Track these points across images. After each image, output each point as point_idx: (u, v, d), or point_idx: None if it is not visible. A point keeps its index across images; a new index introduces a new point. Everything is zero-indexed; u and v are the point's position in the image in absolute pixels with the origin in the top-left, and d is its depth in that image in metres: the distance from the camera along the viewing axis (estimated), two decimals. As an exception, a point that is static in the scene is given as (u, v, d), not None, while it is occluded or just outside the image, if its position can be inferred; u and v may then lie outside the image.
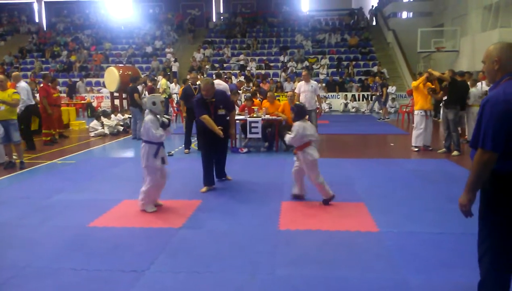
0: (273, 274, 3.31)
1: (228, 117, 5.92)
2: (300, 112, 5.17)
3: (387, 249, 3.76)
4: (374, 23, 26.84)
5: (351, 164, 7.46)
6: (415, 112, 8.66)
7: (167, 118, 4.93)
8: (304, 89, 9.38)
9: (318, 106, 9.87)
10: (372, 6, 27.79)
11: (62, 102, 13.82)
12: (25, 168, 7.31)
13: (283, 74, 20.20)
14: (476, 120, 2.39)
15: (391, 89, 17.59)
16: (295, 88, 10.14)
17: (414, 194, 5.47)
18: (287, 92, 15.25)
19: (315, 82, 10.06)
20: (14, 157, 7.54)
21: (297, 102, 5.07)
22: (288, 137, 5.10)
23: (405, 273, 3.30)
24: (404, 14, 26.65)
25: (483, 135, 2.28)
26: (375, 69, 20.77)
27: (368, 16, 27.24)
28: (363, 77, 20.38)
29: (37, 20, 29.55)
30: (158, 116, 4.84)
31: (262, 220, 4.53)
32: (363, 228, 4.26)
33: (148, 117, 4.80)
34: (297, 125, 5.02)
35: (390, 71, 20.62)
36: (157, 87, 14.43)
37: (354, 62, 21.60)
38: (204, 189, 5.73)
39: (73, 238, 4.10)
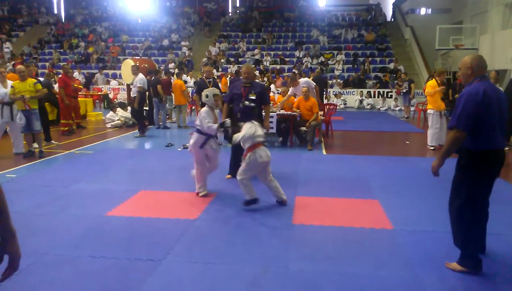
0: (286, 268, 3.35)
1: (253, 104, 5.68)
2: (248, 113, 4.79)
3: (401, 246, 3.76)
4: (391, 19, 26.52)
5: (366, 161, 7.44)
6: (429, 111, 8.54)
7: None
8: (297, 92, 9.10)
9: (322, 102, 9.58)
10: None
11: (80, 93, 14.01)
12: (44, 157, 7.48)
13: (294, 70, 20.11)
14: (453, 108, 3.16)
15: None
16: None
17: (429, 192, 5.44)
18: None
19: (304, 79, 9.74)
20: (34, 145, 7.72)
21: (245, 102, 4.72)
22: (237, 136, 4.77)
23: (419, 271, 3.30)
24: (423, 11, 26.26)
25: (458, 118, 3.05)
26: (391, 66, 20.57)
27: (391, 11, 26.85)
28: (379, 74, 20.20)
29: (56, 11, 29.94)
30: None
31: (276, 214, 4.57)
32: (378, 225, 4.26)
33: (203, 108, 5.12)
34: (246, 127, 4.71)
35: (407, 68, 20.37)
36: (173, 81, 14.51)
37: (370, 59, 21.40)
38: (228, 176, 6.10)
39: (91, 226, 4.20)
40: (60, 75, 10.32)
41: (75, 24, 27.06)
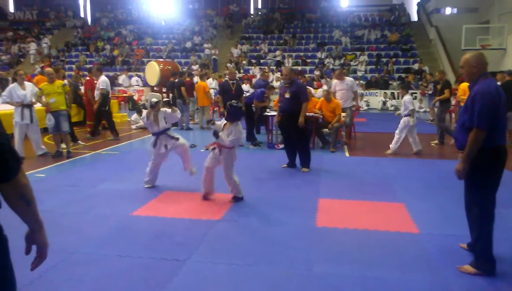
0: (310, 270, 3.33)
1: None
2: (234, 113, 4.85)
3: (428, 251, 3.69)
4: (417, 18, 26.09)
5: (390, 163, 7.33)
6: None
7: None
8: (339, 88, 9.20)
9: (355, 104, 9.70)
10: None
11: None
12: (72, 157, 7.67)
13: (316, 72, 19.98)
14: (465, 107, 3.18)
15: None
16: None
17: (456, 196, 5.25)
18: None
19: (351, 78, 9.84)
20: (62, 146, 7.92)
21: (233, 102, 4.90)
22: (225, 139, 4.83)
23: (446, 276, 3.23)
24: (448, 10, 25.72)
25: (478, 118, 3.04)
26: (416, 66, 20.22)
27: (416, 11, 26.39)
28: (403, 75, 19.90)
29: (82, 15, 30.68)
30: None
31: (299, 216, 4.55)
32: (403, 229, 4.20)
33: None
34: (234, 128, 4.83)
35: (432, 69, 19.97)
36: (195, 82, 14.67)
37: (394, 59, 21.10)
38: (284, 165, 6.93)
39: (117, 225, 4.29)
40: (87, 78, 10.54)
41: (101, 27, 27.69)
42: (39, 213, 1.65)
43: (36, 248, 1.68)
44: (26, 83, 7.69)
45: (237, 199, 5.08)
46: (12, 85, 7.55)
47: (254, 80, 15.52)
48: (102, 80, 9.81)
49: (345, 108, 9.09)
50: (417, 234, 4.08)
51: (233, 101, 5.00)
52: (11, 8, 31.52)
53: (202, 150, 8.56)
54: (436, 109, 10.00)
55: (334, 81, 9.49)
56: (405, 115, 8.08)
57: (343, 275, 3.25)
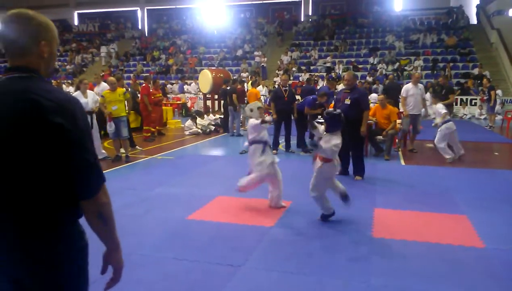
0: (368, 282, 3.23)
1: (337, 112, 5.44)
2: (333, 122, 4.41)
3: (495, 267, 3.46)
4: (477, 21, 24.78)
5: (451, 173, 6.97)
6: None
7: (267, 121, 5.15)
8: (413, 92, 8.84)
9: (426, 111, 9.42)
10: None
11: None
12: (130, 162, 7.99)
13: (368, 78, 19.48)
14: None
15: (499, 93, 16.07)
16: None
17: None
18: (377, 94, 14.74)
19: (422, 85, 9.54)
20: (121, 151, 8.28)
21: (330, 109, 4.61)
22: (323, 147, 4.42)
23: (517, 295, 3.01)
24: (511, 12, 24.21)
25: None
26: (475, 71, 19.18)
27: (475, 14, 25.12)
28: (462, 80, 18.95)
29: (140, 26, 32.11)
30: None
31: (354, 226, 4.44)
32: (467, 242, 3.96)
33: (251, 121, 5.17)
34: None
35: (493, 74, 18.88)
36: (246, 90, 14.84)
37: (451, 64, 20.15)
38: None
39: (173, 229, 4.39)
40: (143, 84, 10.97)
41: (157, 38, 28.81)
42: (117, 233, 1.61)
43: (112, 268, 1.65)
44: (88, 91, 8.13)
45: (323, 217, 4.64)
46: (76, 93, 8.00)
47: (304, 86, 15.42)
48: (104, 87, 9.58)
49: (417, 115, 8.91)
50: (483, 249, 3.83)
51: (330, 109, 4.90)
52: (75, 21, 33.62)
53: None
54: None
55: (407, 85, 9.18)
56: (442, 124, 7.85)
57: (403, 288, 3.12)
